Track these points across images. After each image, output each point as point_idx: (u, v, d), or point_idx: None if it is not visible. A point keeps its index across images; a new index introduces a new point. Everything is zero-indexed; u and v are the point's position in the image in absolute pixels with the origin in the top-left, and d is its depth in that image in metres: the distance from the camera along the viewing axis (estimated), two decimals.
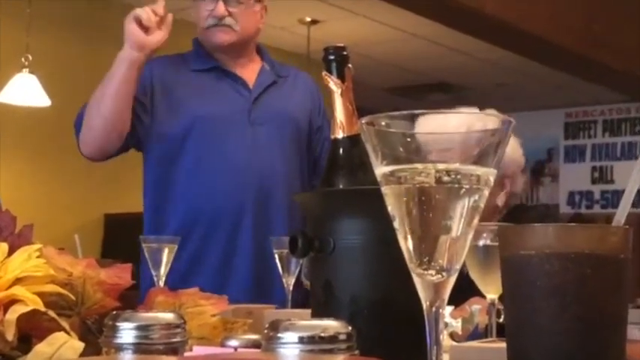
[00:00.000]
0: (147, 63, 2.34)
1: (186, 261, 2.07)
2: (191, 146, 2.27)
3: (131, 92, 2.20)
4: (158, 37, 2.17)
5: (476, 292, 1.32)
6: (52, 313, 0.86)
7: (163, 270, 1.78)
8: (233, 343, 0.96)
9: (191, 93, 2.31)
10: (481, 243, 1.23)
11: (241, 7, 2.30)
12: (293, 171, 2.34)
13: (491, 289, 1.26)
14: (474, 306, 1.55)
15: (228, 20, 2.30)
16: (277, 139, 2.32)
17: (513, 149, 2.09)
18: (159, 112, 2.29)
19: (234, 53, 2.36)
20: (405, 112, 0.66)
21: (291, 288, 1.85)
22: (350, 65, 1.13)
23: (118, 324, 0.77)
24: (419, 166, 0.65)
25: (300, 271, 1.87)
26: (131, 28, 2.15)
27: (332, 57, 1.12)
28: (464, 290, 1.13)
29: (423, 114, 0.66)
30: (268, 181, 2.28)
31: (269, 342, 0.72)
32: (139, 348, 0.76)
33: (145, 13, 2.15)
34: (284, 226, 2.24)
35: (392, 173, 0.66)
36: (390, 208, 0.67)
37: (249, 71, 2.39)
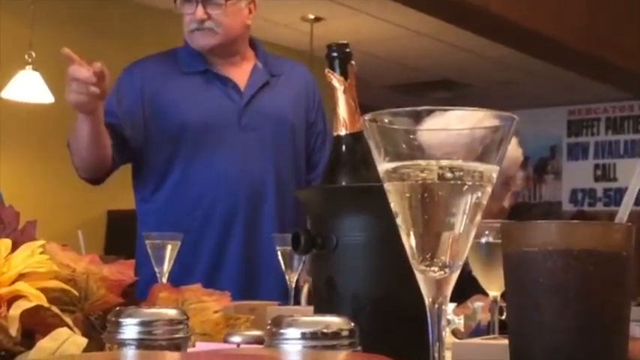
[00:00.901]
0: (138, 66, 2.33)
1: (174, 268, 2.06)
2: (180, 153, 2.25)
3: (102, 137, 2.17)
4: (98, 94, 2.04)
5: (478, 290, 1.33)
6: (55, 309, 0.87)
7: (166, 266, 1.78)
8: (236, 339, 0.96)
9: (180, 98, 2.28)
10: (483, 240, 1.24)
11: (221, 9, 2.24)
12: (286, 173, 2.31)
13: (494, 287, 1.26)
14: (476, 303, 1.55)
15: (209, 24, 2.24)
16: (269, 142, 2.29)
17: (513, 148, 2.09)
18: (149, 119, 2.27)
19: (221, 54, 2.32)
20: (407, 109, 0.66)
21: (293, 285, 1.85)
22: (353, 62, 1.13)
23: (121, 320, 0.77)
24: (422, 162, 0.65)
25: (302, 268, 1.87)
26: (74, 105, 2.05)
27: (335, 54, 1.12)
28: (466, 288, 1.13)
29: (426, 111, 0.66)
30: (258, 188, 2.25)
31: (272, 338, 0.72)
32: (141, 344, 0.76)
33: (79, 91, 2.02)
34: (274, 226, 2.22)
35: (395, 170, 0.66)
36: (392, 205, 0.67)
37: (242, 72, 2.34)
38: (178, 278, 2.06)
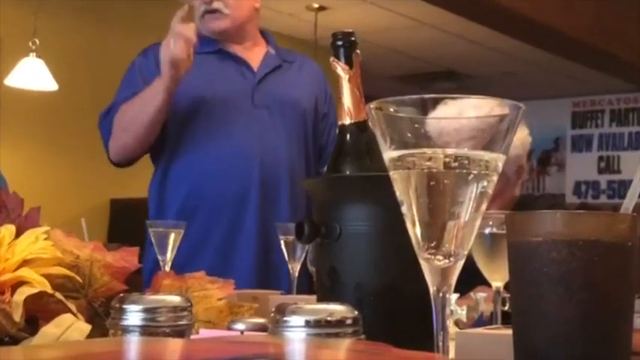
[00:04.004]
0: (152, 49, 2.34)
1: (187, 245, 2.07)
2: (194, 128, 2.27)
3: (165, 116, 2.22)
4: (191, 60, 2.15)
5: (481, 281, 1.33)
6: (59, 295, 0.87)
7: (170, 254, 1.79)
8: (239, 326, 0.96)
9: (194, 74, 2.30)
10: (487, 231, 1.23)
11: None
12: (297, 156, 2.33)
13: (497, 277, 1.26)
14: (479, 294, 1.55)
15: (216, 4, 2.29)
16: (281, 122, 2.31)
17: (524, 135, 2.08)
18: None
19: (233, 38, 2.35)
20: (413, 97, 0.66)
21: (297, 274, 1.85)
22: (358, 51, 1.13)
23: (124, 306, 0.77)
24: (427, 151, 0.64)
25: (305, 258, 1.87)
26: (177, 61, 2.10)
27: (340, 42, 1.12)
28: (469, 279, 1.13)
29: (431, 99, 0.65)
30: (272, 165, 2.27)
31: (275, 325, 0.72)
32: (145, 330, 0.76)
33: (192, 33, 2.11)
34: (288, 211, 2.23)
35: (400, 158, 0.66)
36: (398, 194, 0.67)
37: (254, 55, 2.38)
38: (190, 260, 2.08)
